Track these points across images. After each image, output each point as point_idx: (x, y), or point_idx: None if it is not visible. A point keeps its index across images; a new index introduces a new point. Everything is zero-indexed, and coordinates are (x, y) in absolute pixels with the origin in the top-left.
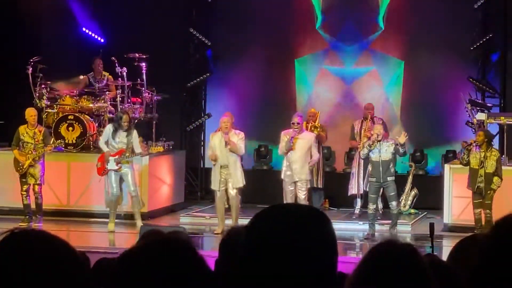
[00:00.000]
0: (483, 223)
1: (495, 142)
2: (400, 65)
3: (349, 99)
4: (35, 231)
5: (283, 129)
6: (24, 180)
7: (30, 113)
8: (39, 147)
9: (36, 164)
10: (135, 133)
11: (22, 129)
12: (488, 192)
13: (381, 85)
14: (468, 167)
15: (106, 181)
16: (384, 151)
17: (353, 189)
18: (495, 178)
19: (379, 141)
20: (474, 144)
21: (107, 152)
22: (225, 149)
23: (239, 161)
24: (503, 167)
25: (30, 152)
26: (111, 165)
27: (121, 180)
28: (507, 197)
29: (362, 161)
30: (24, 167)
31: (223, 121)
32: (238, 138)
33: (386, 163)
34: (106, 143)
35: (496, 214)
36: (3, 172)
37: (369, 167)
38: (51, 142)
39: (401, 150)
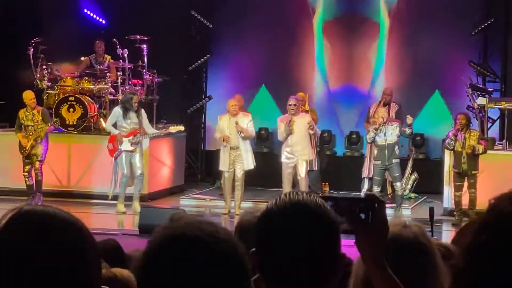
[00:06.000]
0: (462, 206)
1: (496, 126)
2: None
3: (351, 83)
4: (44, 208)
5: (283, 113)
6: (27, 161)
7: (30, 97)
8: (39, 127)
9: (37, 144)
10: (143, 112)
11: (21, 113)
12: (473, 172)
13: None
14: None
15: (117, 163)
16: (389, 134)
17: (365, 172)
18: (479, 145)
19: (385, 123)
20: (459, 128)
21: (119, 133)
22: (234, 131)
23: (249, 143)
24: (503, 152)
25: (31, 133)
26: (125, 146)
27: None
28: (498, 179)
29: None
30: (27, 148)
31: (230, 104)
32: (247, 120)
33: (391, 146)
34: (115, 125)
35: (483, 196)
36: (4, 153)
37: (375, 151)
38: (51, 121)
39: (408, 131)
